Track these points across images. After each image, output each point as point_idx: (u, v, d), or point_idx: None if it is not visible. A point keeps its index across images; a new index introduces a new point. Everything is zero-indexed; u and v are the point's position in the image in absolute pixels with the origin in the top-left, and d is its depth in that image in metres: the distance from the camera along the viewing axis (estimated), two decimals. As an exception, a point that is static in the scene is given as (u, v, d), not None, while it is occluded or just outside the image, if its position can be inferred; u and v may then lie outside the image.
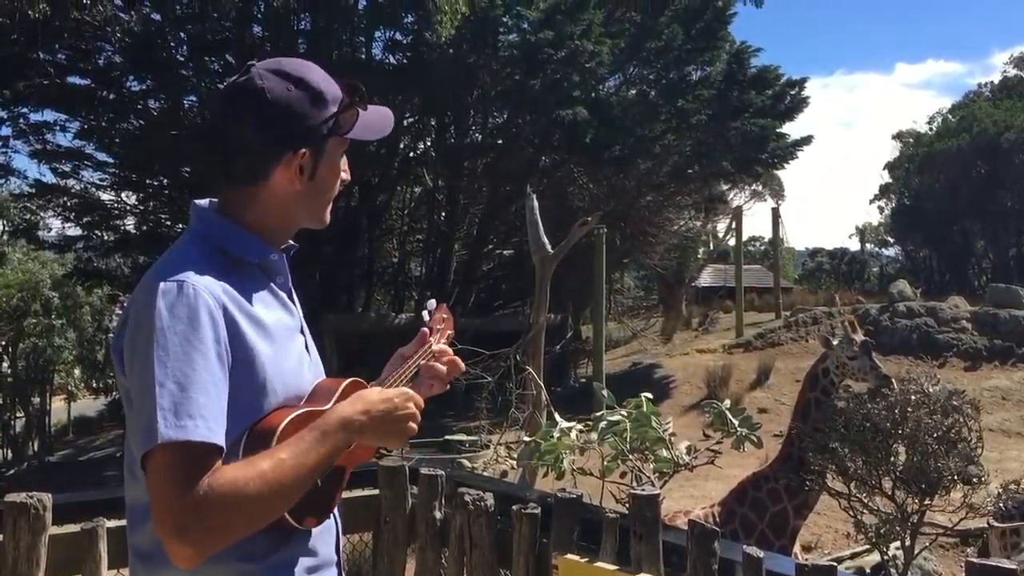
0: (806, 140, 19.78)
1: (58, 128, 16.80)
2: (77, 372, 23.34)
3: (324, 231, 1.78)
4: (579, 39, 15.81)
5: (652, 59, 18.14)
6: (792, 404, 6.25)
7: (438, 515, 2.82)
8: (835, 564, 2.20)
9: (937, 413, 4.81)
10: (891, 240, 42.64)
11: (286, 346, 1.56)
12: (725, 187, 24.68)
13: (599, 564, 2.42)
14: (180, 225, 16.38)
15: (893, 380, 5.07)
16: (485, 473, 7.58)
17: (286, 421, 1.46)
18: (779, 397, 15.17)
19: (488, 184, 19.37)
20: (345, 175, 1.64)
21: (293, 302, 1.66)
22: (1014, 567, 1.81)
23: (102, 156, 17.52)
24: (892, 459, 4.87)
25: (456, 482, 2.90)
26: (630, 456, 3.64)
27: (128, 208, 18.97)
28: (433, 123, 19.06)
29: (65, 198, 18.15)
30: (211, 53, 15.99)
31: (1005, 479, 5.49)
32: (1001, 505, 5.13)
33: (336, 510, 1.66)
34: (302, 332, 1.66)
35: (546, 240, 8.66)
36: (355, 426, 1.48)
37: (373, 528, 2.95)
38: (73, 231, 19.33)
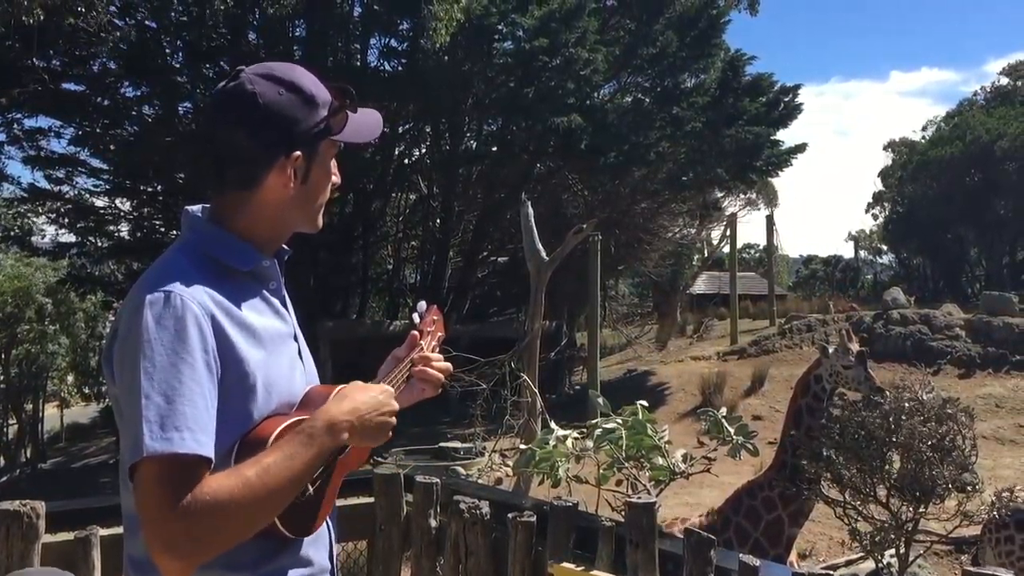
0: (800, 147, 19.84)
1: (52, 134, 16.78)
2: (70, 379, 23.30)
3: (319, 237, 1.78)
4: (574, 47, 15.84)
5: (647, 66, 18.19)
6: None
7: (433, 523, 2.82)
8: (830, 572, 2.19)
9: (932, 421, 4.82)
10: (885, 248, 42.78)
11: (278, 353, 1.55)
12: (720, 194, 24.73)
13: (595, 572, 2.42)
14: (174, 231, 16.35)
15: (887, 391, 5.08)
16: (480, 480, 7.56)
17: (278, 430, 1.45)
18: (774, 404, 15.19)
19: (483, 191, 19.39)
20: (336, 177, 1.64)
21: (286, 308, 1.65)
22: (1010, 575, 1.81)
23: (96, 162, 17.49)
24: (886, 467, 4.87)
25: (451, 490, 2.89)
26: (626, 464, 3.63)
27: (122, 214, 18.92)
28: (428, 130, 19.08)
29: (59, 204, 18.10)
30: (206, 60, 15.95)
31: (999, 487, 5.50)
32: (995, 513, 5.13)
33: (329, 518, 1.64)
34: (295, 339, 1.65)
35: (541, 247, 8.68)
36: (342, 427, 1.47)
37: (368, 536, 2.94)
38: (67, 237, 19.31)
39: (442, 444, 10.55)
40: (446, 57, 15.53)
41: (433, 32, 13.67)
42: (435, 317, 1.92)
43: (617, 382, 18.32)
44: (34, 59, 13.93)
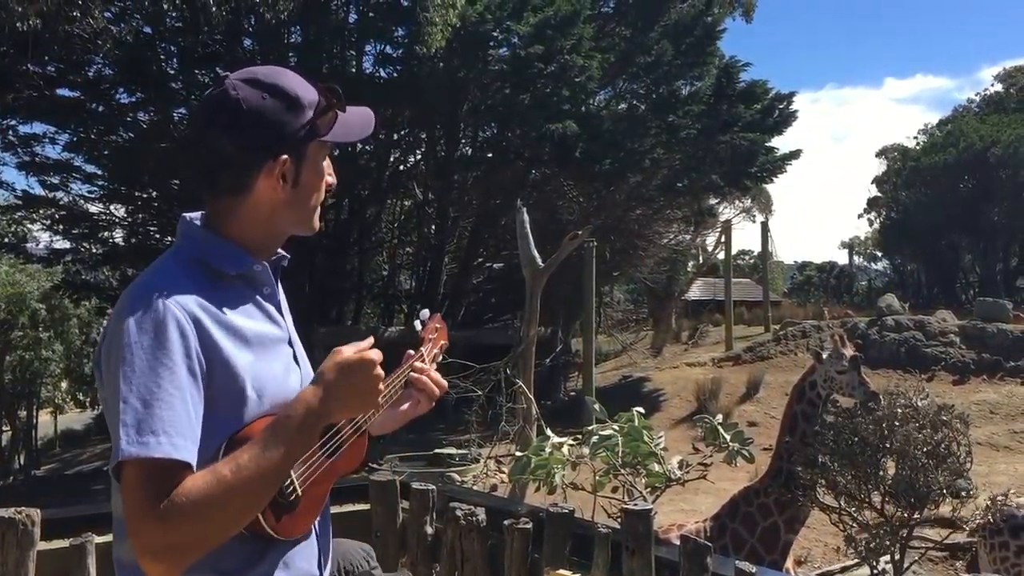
0: (795, 154, 19.91)
1: (47, 140, 16.73)
2: (64, 385, 23.21)
3: (314, 242, 1.78)
4: (569, 53, 15.88)
5: (642, 74, 18.25)
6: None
7: (429, 530, 2.81)
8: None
9: (927, 427, 4.82)
10: (879, 254, 42.88)
11: (269, 357, 1.55)
12: (714, 201, 24.80)
13: (591, 579, 2.42)
14: (169, 238, 16.33)
15: (881, 396, 5.08)
16: (475, 487, 7.56)
17: (263, 427, 1.43)
18: (769, 410, 15.19)
19: (478, 197, 19.40)
20: (331, 178, 1.63)
21: (281, 313, 1.64)
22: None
23: (91, 168, 17.47)
24: (881, 473, 4.87)
25: (447, 497, 2.89)
26: (622, 471, 3.64)
27: (117, 220, 18.90)
28: (423, 136, 19.11)
29: (53, 210, 18.07)
30: (201, 66, 15.95)
31: (993, 492, 5.51)
32: (990, 518, 5.13)
33: (317, 524, 1.62)
34: (290, 343, 1.65)
35: (536, 253, 8.69)
36: (318, 402, 1.44)
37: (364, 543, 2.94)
38: (61, 243, 19.28)
39: (438, 451, 10.55)
40: (441, 64, 15.55)
41: (428, 38, 13.69)
42: (437, 325, 1.92)
43: (612, 388, 18.33)
44: (29, 65, 13.90)
